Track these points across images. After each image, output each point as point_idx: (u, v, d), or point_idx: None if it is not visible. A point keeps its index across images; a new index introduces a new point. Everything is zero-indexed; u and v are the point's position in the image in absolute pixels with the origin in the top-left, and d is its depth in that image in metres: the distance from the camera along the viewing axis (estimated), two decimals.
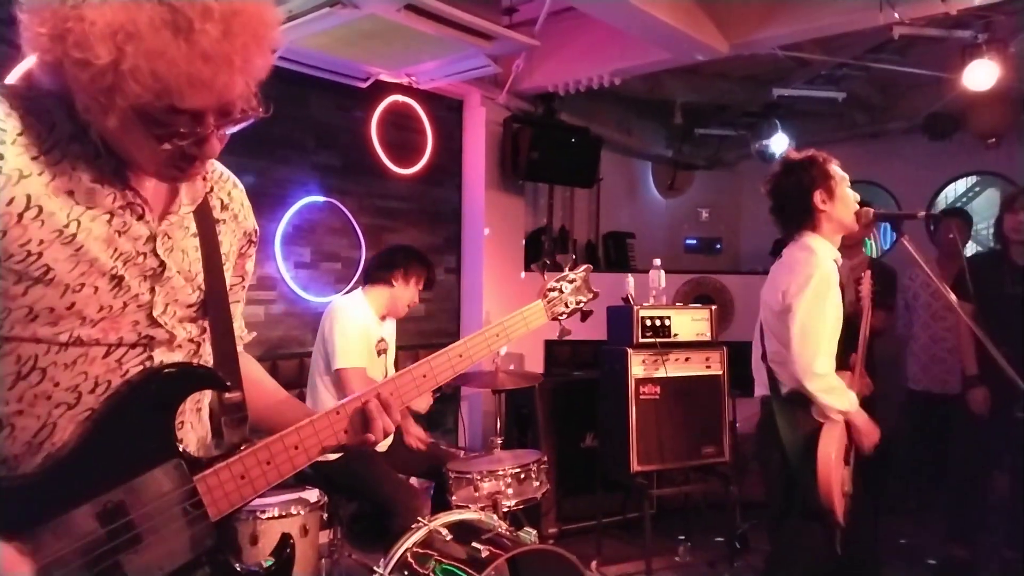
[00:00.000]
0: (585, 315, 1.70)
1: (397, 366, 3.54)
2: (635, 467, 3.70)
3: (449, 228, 5.10)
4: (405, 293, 3.44)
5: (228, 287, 1.27)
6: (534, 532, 2.29)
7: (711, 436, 3.89)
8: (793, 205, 2.63)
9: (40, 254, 1.01)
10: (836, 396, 2.46)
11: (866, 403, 2.65)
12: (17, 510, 0.99)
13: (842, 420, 2.48)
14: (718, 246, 6.89)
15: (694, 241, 6.83)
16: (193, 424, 1.22)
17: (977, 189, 5.90)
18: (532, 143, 4.90)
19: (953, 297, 2.84)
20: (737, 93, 5.64)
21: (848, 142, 6.06)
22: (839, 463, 2.44)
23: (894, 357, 4.63)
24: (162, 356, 1.15)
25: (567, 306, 1.65)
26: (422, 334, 4.84)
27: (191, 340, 1.20)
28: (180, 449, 1.12)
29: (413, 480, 3.64)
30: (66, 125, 1.05)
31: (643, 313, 3.82)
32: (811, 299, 2.46)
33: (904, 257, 2.81)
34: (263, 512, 2.63)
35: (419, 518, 2.39)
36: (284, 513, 2.66)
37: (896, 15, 3.55)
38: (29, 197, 1.00)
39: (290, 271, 4.15)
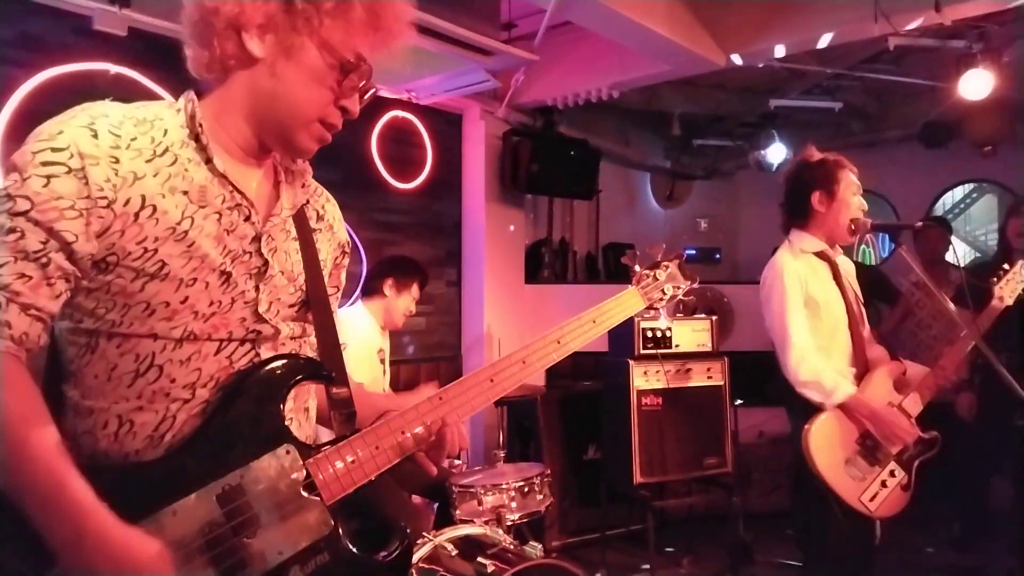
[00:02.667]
0: (688, 306, 1.66)
1: (396, 379, 3.55)
2: (638, 479, 3.70)
3: (450, 241, 5.11)
4: (399, 302, 3.45)
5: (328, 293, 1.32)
6: (539, 546, 2.29)
7: (713, 447, 3.90)
8: (792, 200, 2.72)
9: (156, 250, 1.07)
10: (814, 388, 2.49)
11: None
12: (139, 495, 1.03)
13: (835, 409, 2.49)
14: (717, 256, 6.91)
15: (693, 251, 6.85)
16: (301, 423, 1.25)
17: (974, 196, 5.94)
18: (531, 156, 4.93)
19: (951, 305, 2.86)
20: (734, 104, 5.68)
21: (845, 151, 5.93)
22: (831, 445, 2.45)
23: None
24: (268, 353, 1.19)
25: (663, 292, 1.65)
26: (424, 347, 4.85)
27: (293, 338, 1.24)
28: (291, 435, 1.16)
29: (415, 498, 3.63)
30: (179, 131, 1.14)
31: (644, 324, 3.83)
32: (766, 302, 2.61)
33: (901, 266, 2.83)
34: None
35: (424, 533, 2.39)
36: None
37: (891, 26, 3.58)
38: (144, 197, 1.07)
39: None
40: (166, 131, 1.12)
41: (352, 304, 3.55)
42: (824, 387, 2.50)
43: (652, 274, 1.66)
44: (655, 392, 3.80)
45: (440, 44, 3.47)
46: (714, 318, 4.03)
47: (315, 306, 1.27)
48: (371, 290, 3.46)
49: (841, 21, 3.72)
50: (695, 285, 1.69)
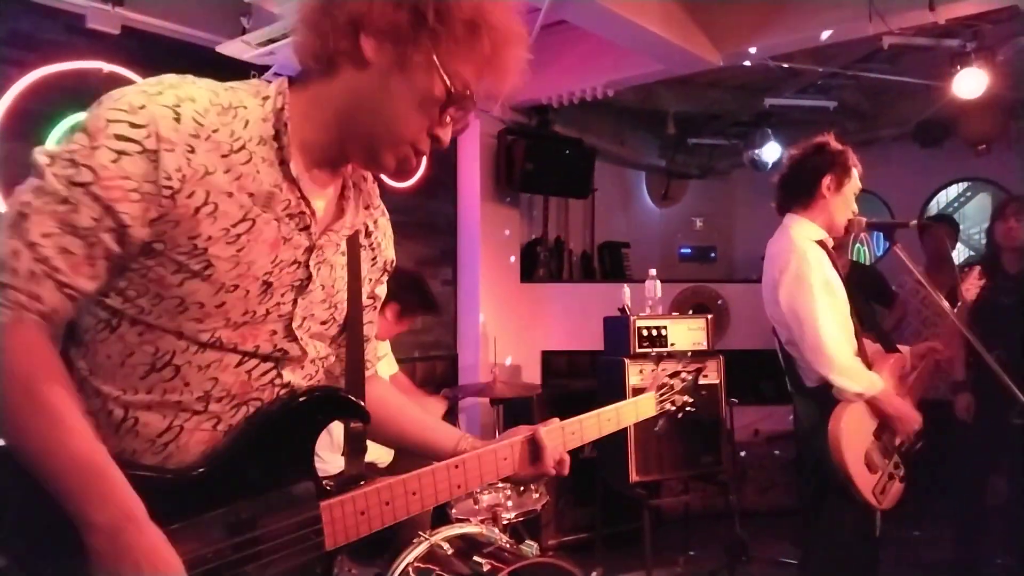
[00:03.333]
0: (686, 413, 1.75)
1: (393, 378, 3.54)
2: (634, 477, 3.70)
3: (445, 240, 5.11)
4: (393, 327, 3.35)
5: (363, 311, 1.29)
6: (535, 545, 2.29)
7: (709, 445, 3.90)
8: (798, 179, 2.64)
9: (205, 249, 1.02)
10: (851, 377, 2.44)
11: None
12: (162, 505, 0.99)
13: (861, 402, 2.45)
14: (713, 255, 6.92)
15: (689, 250, 6.86)
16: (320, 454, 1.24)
17: (968, 195, 5.96)
18: (526, 155, 4.93)
19: (946, 304, 2.87)
20: (729, 103, 5.69)
21: None
22: (857, 435, 2.43)
23: None
24: (289, 375, 1.15)
25: (674, 404, 1.72)
26: (420, 346, 4.84)
27: (315, 360, 1.20)
28: (315, 473, 1.13)
29: None
30: (260, 125, 1.07)
31: (639, 323, 3.83)
32: (793, 284, 2.48)
33: (896, 265, 2.84)
34: None
35: (420, 532, 2.39)
36: None
37: (886, 25, 3.58)
38: (208, 193, 1.02)
39: None
40: (247, 123, 1.06)
41: None
42: (861, 375, 2.46)
43: (671, 383, 1.70)
44: None
45: None
46: (709, 317, 4.03)
47: (350, 327, 1.24)
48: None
49: (836, 20, 3.73)
50: (695, 404, 1.76)
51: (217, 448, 1.07)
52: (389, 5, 1.04)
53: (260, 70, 3.58)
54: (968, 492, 3.70)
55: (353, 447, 1.22)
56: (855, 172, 2.63)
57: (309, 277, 1.14)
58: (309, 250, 1.13)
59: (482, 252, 5.05)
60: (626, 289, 4.01)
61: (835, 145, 2.65)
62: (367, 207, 1.27)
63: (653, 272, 4.12)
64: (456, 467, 1.28)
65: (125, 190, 0.96)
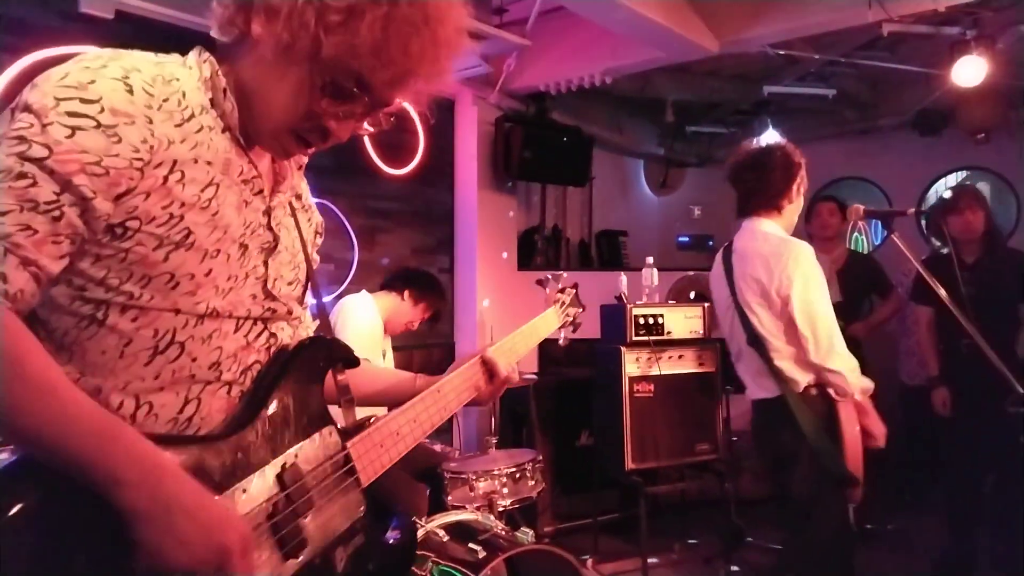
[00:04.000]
0: (576, 325, 1.98)
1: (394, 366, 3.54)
2: (630, 465, 3.71)
3: (442, 228, 5.10)
4: (408, 311, 3.41)
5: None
6: (531, 532, 2.30)
7: (705, 433, 3.91)
8: (771, 183, 2.68)
9: (182, 216, 1.00)
10: (857, 375, 2.48)
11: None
12: (203, 472, 0.98)
13: (851, 401, 2.49)
14: (711, 243, 6.90)
15: (687, 238, 6.85)
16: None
17: (967, 184, 5.93)
18: (524, 142, 4.91)
19: (943, 291, 2.86)
20: (728, 91, 5.66)
21: (839, 138, 6.09)
22: (859, 436, 2.49)
23: (887, 353, 4.66)
24: (281, 334, 1.17)
25: (569, 316, 1.92)
26: (417, 335, 4.81)
27: (294, 317, 1.22)
28: (331, 418, 1.18)
29: None
30: (198, 94, 1.06)
31: (636, 311, 3.83)
32: (800, 282, 2.48)
33: (894, 254, 2.84)
34: None
35: (416, 520, 2.39)
36: None
37: (885, 12, 3.56)
38: (175, 162, 1.00)
39: None
40: (185, 93, 1.04)
41: (342, 293, 3.53)
42: (859, 374, 2.50)
43: (562, 300, 1.90)
44: (647, 379, 3.80)
45: None
46: (707, 305, 4.03)
47: (313, 290, 1.28)
48: (392, 287, 3.41)
49: (835, 7, 3.71)
50: (583, 310, 2.00)
51: (236, 413, 1.08)
52: None
53: None
54: (960, 481, 3.71)
55: (344, 398, 1.25)
56: (804, 177, 2.75)
57: (276, 239, 1.16)
58: (267, 213, 1.15)
59: (479, 240, 5.04)
60: (623, 277, 4.01)
61: (789, 146, 2.76)
62: (300, 167, 1.28)
63: (650, 260, 4.11)
64: (439, 391, 1.39)
65: (83, 163, 0.92)
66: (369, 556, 1.18)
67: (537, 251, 5.63)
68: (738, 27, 4.05)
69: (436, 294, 3.49)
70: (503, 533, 2.35)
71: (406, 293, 3.39)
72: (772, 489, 2.99)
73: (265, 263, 1.14)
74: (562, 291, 1.90)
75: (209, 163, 1.05)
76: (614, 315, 3.90)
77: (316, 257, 1.37)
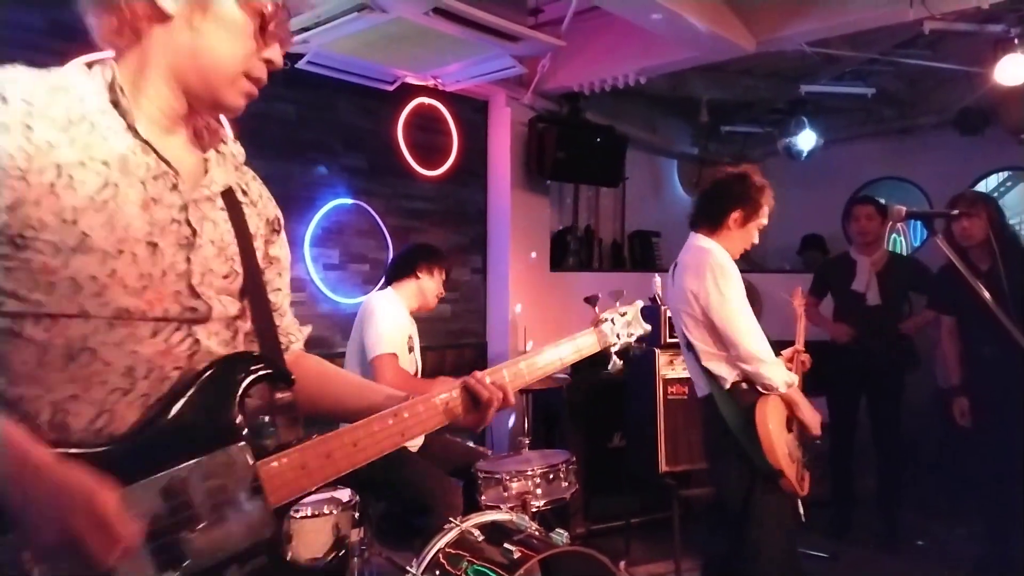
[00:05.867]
0: (633, 348, 1.79)
1: (424, 366, 3.57)
2: (663, 467, 3.69)
3: (475, 228, 5.12)
4: (431, 284, 3.48)
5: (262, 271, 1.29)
6: (565, 533, 2.29)
7: None
8: (713, 205, 2.83)
9: (75, 221, 1.02)
10: (778, 370, 2.62)
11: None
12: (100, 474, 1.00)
13: (776, 397, 2.63)
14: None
15: None
16: (275, 425, 1.24)
17: (1008, 184, 5.80)
18: (557, 143, 4.91)
19: (987, 294, 2.81)
20: (763, 90, 5.60)
21: (877, 137, 5.99)
22: (780, 429, 2.61)
23: (925, 356, 4.58)
24: (207, 341, 1.15)
25: (618, 337, 1.73)
26: (449, 334, 4.87)
27: (229, 319, 1.20)
28: (246, 435, 1.14)
29: None
30: (97, 97, 1.09)
31: (670, 313, 3.80)
32: (715, 291, 2.64)
33: (934, 255, 2.79)
34: (296, 511, 2.66)
35: (451, 519, 2.41)
36: (317, 512, 2.69)
37: (927, 10, 3.50)
38: (59, 167, 1.02)
39: (319, 273, 4.19)
40: (83, 98, 1.08)
41: (381, 289, 3.57)
42: (783, 370, 2.66)
43: (611, 318, 1.73)
44: (681, 381, 3.78)
45: (466, 30, 3.46)
46: None
47: (251, 285, 1.24)
48: (402, 274, 3.47)
49: (875, 4, 3.65)
50: (648, 331, 1.81)
51: (145, 420, 1.08)
52: None
53: (293, 58, 3.61)
54: (994, 488, 3.62)
55: (287, 417, 1.22)
56: (765, 210, 2.83)
57: (194, 233, 1.15)
58: (184, 208, 1.14)
59: (512, 240, 5.05)
60: (657, 279, 3.99)
61: (757, 180, 2.83)
62: (237, 168, 1.29)
63: None
64: (397, 415, 1.30)
65: None
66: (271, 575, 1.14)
67: (569, 252, 5.62)
68: (775, 25, 4.01)
69: (438, 255, 3.54)
70: (537, 534, 2.35)
71: (419, 271, 3.44)
72: (711, 487, 3.06)
73: (187, 259, 1.13)
74: (614, 312, 1.74)
75: (105, 163, 1.06)
76: (648, 317, 3.83)
77: (277, 253, 1.37)
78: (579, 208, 5.82)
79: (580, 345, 1.66)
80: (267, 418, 1.19)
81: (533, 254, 5.23)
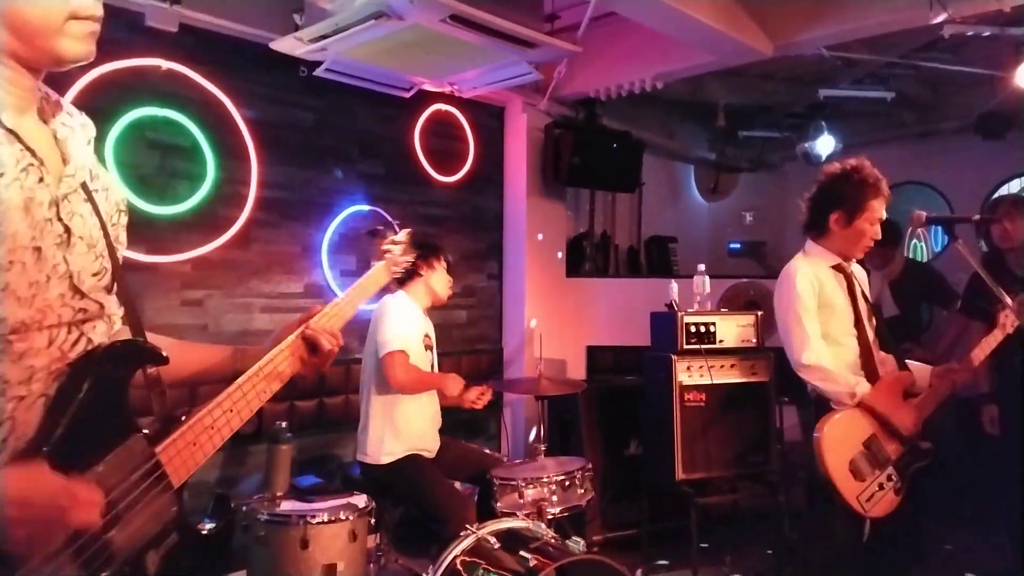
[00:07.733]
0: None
1: (440, 371, 3.57)
2: (680, 475, 3.66)
3: (491, 234, 5.12)
4: (437, 276, 3.47)
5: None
6: (582, 541, 2.28)
7: (758, 444, 3.84)
8: (814, 210, 2.83)
9: None
10: (830, 383, 2.60)
11: None
12: None
13: (852, 405, 2.59)
14: (763, 250, 6.79)
15: (738, 245, 6.74)
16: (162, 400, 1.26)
17: (1011, 193, 5.73)
18: (574, 148, 4.90)
19: (1008, 300, 2.78)
20: (781, 94, 5.57)
21: (897, 142, 5.94)
22: (842, 446, 2.54)
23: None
24: (95, 336, 1.15)
25: (397, 266, 1.81)
26: (466, 340, 4.87)
27: (114, 315, 1.20)
28: (137, 425, 1.15)
29: (457, 485, 3.66)
30: None
31: (687, 319, 3.78)
32: (783, 303, 2.73)
33: (955, 261, 2.76)
34: (313, 517, 2.67)
35: (467, 526, 2.40)
36: (333, 518, 2.70)
37: (947, 13, 3.46)
38: None
39: (336, 279, 4.20)
40: None
41: (394, 294, 3.58)
42: (846, 380, 2.59)
43: (390, 248, 1.80)
44: (698, 388, 3.76)
45: (483, 37, 3.46)
46: (759, 313, 3.96)
47: (116, 274, 1.21)
48: (407, 276, 3.47)
49: (895, 8, 3.61)
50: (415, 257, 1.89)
51: (38, 432, 1.06)
52: None
53: (311, 66, 3.63)
54: (1018, 497, 3.57)
55: (156, 391, 1.23)
56: (872, 204, 2.69)
57: (68, 230, 1.11)
58: (54, 203, 1.09)
59: (528, 246, 5.05)
60: (674, 284, 3.97)
61: (856, 177, 2.71)
62: (89, 143, 1.24)
63: (702, 267, 4.06)
64: (256, 372, 1.34)
65: None
66: (185, 550, 1.19)
67: (586, 257, 5.61)
68: (793, 30, 3.98)
69: (431, 247, 3.51)
70: (553, 542, 2.34)
71: (423, 268, 3.43)
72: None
73: (65, 259, 1.10)
74: (393, 242, 1.82)
75: None
76: (665, 323, 3.86)
77: (123, 238, 1.31)
78: (595, 214, 5.81)
79: (377, 278, 1.75)
80: (150, 398, 1.22)
81: (558, 253, 5.23)
